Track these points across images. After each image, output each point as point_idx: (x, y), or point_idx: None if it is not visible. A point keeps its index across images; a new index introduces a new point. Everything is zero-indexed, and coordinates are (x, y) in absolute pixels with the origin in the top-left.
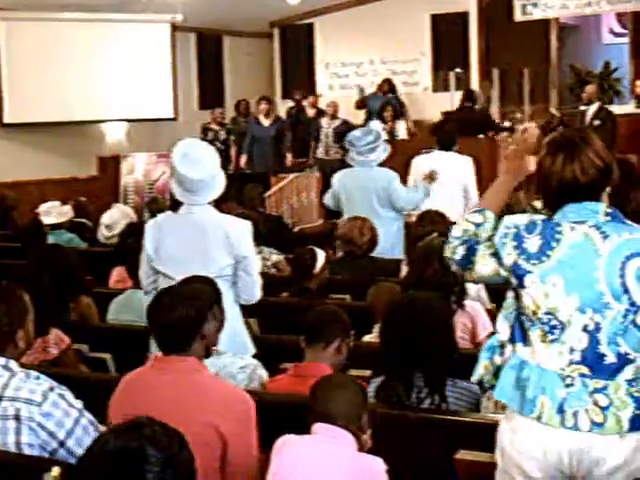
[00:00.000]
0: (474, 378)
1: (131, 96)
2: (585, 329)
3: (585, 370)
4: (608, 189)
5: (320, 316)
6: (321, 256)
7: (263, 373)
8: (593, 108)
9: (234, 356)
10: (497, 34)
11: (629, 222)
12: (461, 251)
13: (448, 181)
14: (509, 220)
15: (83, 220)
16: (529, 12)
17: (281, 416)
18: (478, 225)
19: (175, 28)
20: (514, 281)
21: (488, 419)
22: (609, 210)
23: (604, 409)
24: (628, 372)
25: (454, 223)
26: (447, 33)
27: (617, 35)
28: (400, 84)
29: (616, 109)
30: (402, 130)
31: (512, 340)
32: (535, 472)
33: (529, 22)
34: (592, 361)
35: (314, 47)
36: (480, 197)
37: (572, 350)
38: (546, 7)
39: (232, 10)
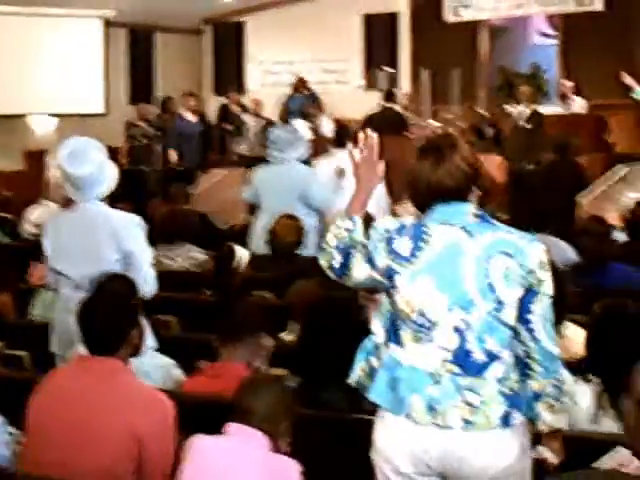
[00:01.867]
0: (351, 380)
1: (61, 90)
2: (454, 328)
3: (455, 368)
4: (478, 192)
5: (236, 314)
6: (241, 253)
7: (178, 373)
8: (525, 109)
9: (149, 355)
10: (428, 34)
11: (496, 222)
12: (338, 258)
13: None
14: (381, 224)
15: (5, 215)
16: (460, 13)
17: (196, 416)
18: (350, 231)
19: (107, 24)
20: (387, 283)
21: None
22: (476, 211)
23: (473, 406)
24: (498, 370)
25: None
26: (378, 33)
27: (545, 36)
28: (331, 82)
29: (544, 110)
30: (326, 127)
31: (387, 341)
32: (407, 469)
33: (459, 23)
34: (462, 359)
35: (246, 44)
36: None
37: (442, 349)
38: (477, 9)
39: (164, 7)
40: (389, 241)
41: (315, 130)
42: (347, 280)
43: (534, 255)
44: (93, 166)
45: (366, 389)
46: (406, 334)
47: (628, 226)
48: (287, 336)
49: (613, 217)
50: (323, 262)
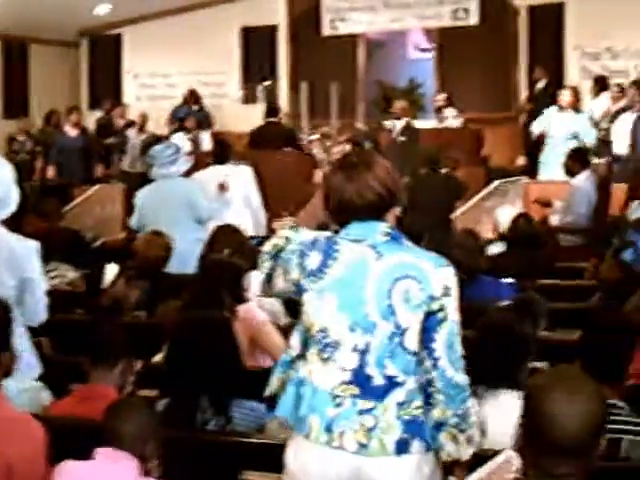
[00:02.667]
0: (267, 392)
1: None
2: (355, 349)
3: (355, 390)
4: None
5: (105, 336)
6: (112, 271)
7: (46, 395)
8: (401, 124)
9: (15, 378)
10: (306, 48)
11: (408, 243)
12: (267, 265)
13: (230, 193)
14: (295, 237)
15: None
16: (337, 27)
17: (64, 440)
18: (288, 240)
19: None
20: (298, 298)
21: (273, 440)
22: (389, 230)
23: (370, 430)
24: (399, 395)
25: (250, 237)
26: (257, 46)
27: (422, 50)
28: (210, 95)
29: (420, 124)
30: (206, 141)
31: (300, 357)
32: None
33: (337, 37)
34: (362, 381)
35: (122, 57)
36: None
37: (343, 369)
38: (354, 22)
39: (39, 18)
40: (302, 255)
41: (195, 143)
42: (271, 289)
43: (439, 281)
44: (2, 186)
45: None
46: (311, 351)
47: (504, 238)
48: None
49: (487, 230)
50: (260, 270)
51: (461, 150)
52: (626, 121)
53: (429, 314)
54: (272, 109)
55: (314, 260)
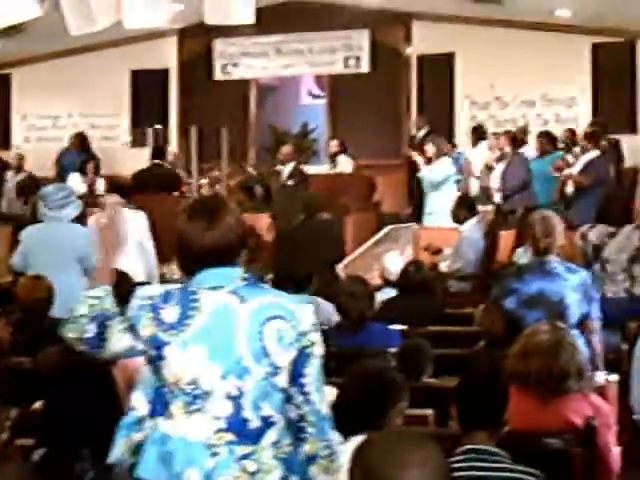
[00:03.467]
0: (112, 459)
1: None
2: (229, 396)
3: (231, 437)
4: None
5: None
6: None
7: None
8: (288, 168)
9: None
10: (197, 92)
11: (264, 286)
12: (93, 329)
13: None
14: (142, 292)
15: None
16: (229, 72)
17: None
18: (101, 299)
19: None
20: (153, 353)
21: None
22: (245, 275)
23: (252, 475)
24: (273, 435)
25: (139, 283)
26: (147, 89)
27: (314, 96)
28: (99, 138)
29: (312, 169)
30: (101, 187)
31: (153, 414)
32: None
33: (229, 81)
34: (237, 427)
35: (11, 97)
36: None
37: (217, 418)
38: (246, 67)
39: None
40: (154, 309)
41: (90, 186)
42: (103, 351)
43: (306, 317)
44: None
45: (134, 466)
46: (176, 406)
47: (391, 284)
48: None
49: (377, 276)
50: (71, 334)
51: (353, 196)
52: (500, 170)
53: (301, 351)
54: (157, 151)
55: (171, 313)
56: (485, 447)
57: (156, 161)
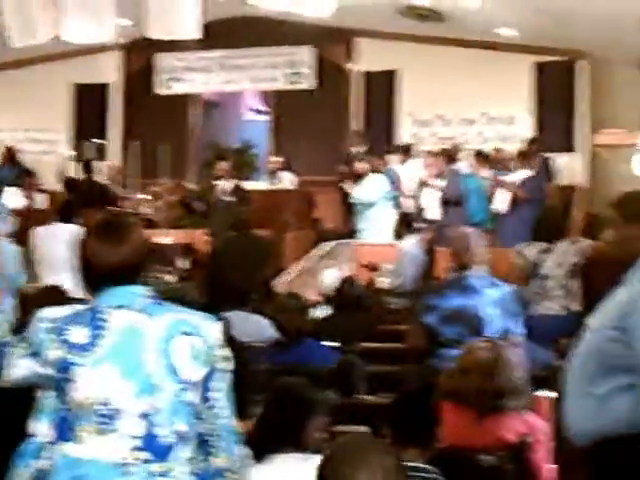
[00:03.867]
0: None
1: None
2: (142, 414)
3: (146, 455)
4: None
5: None
6: None
7: None
8: (227, 184)
9: None
10: (139, 107)
11: (169, 304)
12: None
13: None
14: (45, 314)
15: None
16: (171, 87)
17: None
18: None
19: None
20: (59, 377)
21: None
22: (149, 293)
23: None
24: (187, 451)
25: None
26: (89, 103)
27: (257, 112)
28: (40, 152)
29: (252, 185)
30: (41, 201)
31: (57, 440)
32: None
33: (171, 96)
34: (152, 445)
35: None
36: None
37: (131, 437)
38: (188, 83)
39: None
40: (60, 332)
41: (30, 200)
42: (1, 379)
43: (214, 333)
44: None
45: None
46: (85, 428)
47: (330, 301)
48: None
49: (314, 293)
50: None
51: (293, 212)
52: (436, 187)
53: (211, 366)
54: (87, 165)
55: (80, 334)
56: (414, 464)
57: (86, 176)
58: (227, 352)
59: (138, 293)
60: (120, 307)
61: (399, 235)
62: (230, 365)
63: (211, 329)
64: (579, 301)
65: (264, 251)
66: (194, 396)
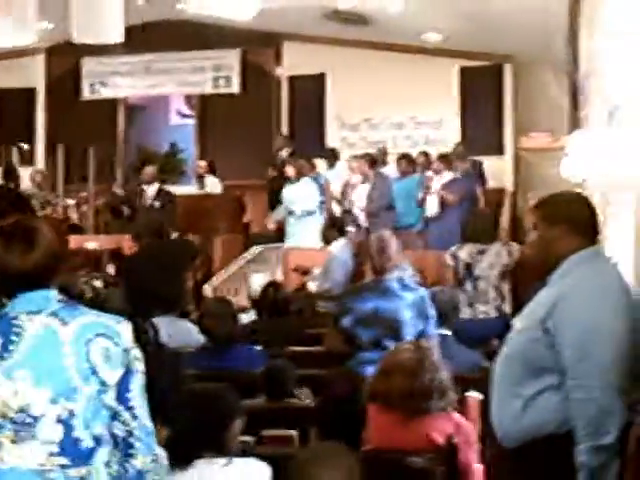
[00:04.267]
0: None
1: None
2: (59, 419)
3: (65, 460)
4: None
5: None
6: None
7: None
8: (153, 189)
9: None
10: (65, 111)
11: (82, 307)
12: None
13: None
14: None
15: None
16: (97, 91)
17: None
18: None
19: None
20: None
21: None
22: (60, 297)
23: None
24: (104, 454)
25: None
26: (13, 108)
27: (184, 116)
28: None
29: (179, 190)
30: None
31: None
32: None
33: (97, 100)
34: (70, 450)
35: None
36: None
37: (49, 443)
38: (114, 86)
39: None
40: None
41: None
42: None
43: (126, 334)
44: None
45: None
46: (3, 437)
47: (256, 306)
48: None
49: (244, 297)
50: None
51: (222, 217)
52: (363, 191)
53: (126, 367)
54: (6, 172)
55: None
56: None
57: (4, 182)
58: (139, 353)
59: (49, 297)
60: (34, 312)
61: (328, 239)
62: (142, 366)
63: (123, 331)
64: (509, 303)
65: (184, 256)
66: (111, 398)
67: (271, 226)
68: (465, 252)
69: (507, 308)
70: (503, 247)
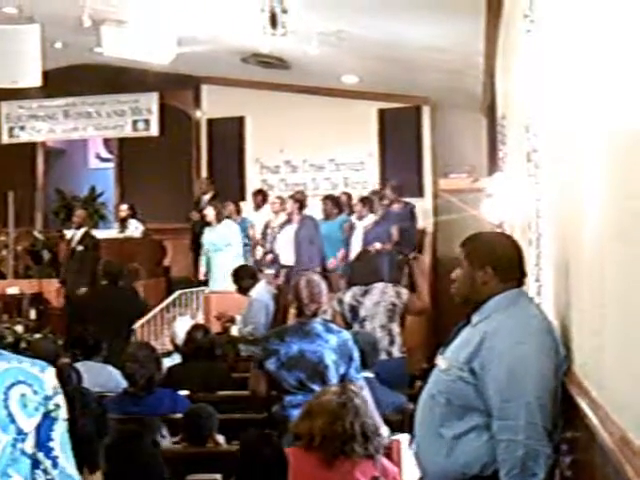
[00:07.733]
0: None
1: None
2: None
3: None
4: None
5: None
6: None
7: None
8: (80, 233)
9: None
10: None
11: (4, 352)
12: None
13: None
14: None
15: None
16: (16, 135)
17: None
18: None
19: None
20: None
21: None
22: None
23: None
24: None
25: None
26: None
27: (103, 160)
28: None
29: (101, 233)
30: None
31: None
32: None
33: (16, 144)
34: None
35: None
36: None
37: None
38: (33, 130)
39: None
40: None
41: None
42: None
43: (49, 381)
44: None
45: None
46: None
47: (181, 350)
48: None
49: (168, 341)
50: None
51: (143, 261)
52: (288, 233)
53: (46, 415)
54: None
55: None
56: None
57: None
58: (62, 400)
59: None
60: None
61: (245, 287)
62: (65, 413)
63: (46, 377)
64: (400, 347)
65: (135, 304)
66: (30, 446)
67: (202, 278)
68: (349, 295)
69: (397, 352)
70: (389, 286)
